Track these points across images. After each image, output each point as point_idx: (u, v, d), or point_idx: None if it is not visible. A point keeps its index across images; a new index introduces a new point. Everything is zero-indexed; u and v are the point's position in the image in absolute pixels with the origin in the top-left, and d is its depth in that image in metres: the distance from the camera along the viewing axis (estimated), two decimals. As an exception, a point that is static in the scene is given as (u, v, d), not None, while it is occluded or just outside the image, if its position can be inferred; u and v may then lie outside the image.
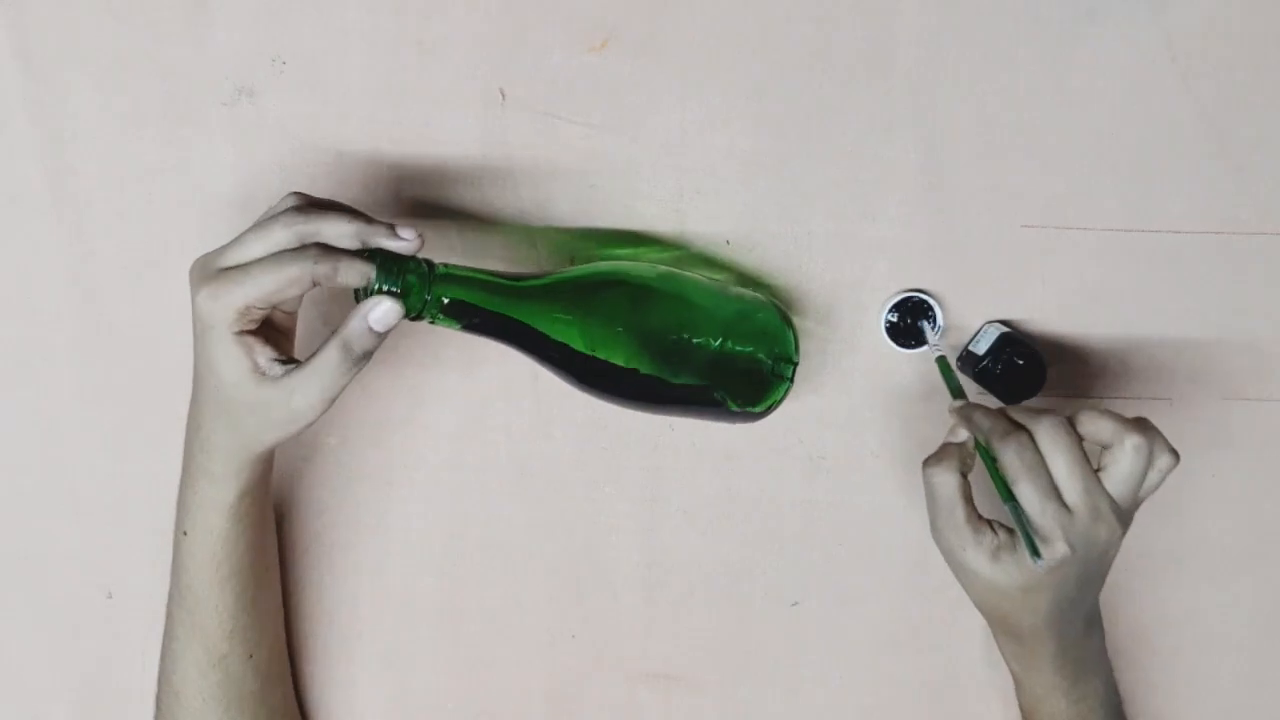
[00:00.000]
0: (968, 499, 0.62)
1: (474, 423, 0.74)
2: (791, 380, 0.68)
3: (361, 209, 0.61)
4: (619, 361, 0.63)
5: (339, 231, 0.59)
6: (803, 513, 0.74)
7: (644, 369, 0.64)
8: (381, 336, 0.59)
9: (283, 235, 0.58)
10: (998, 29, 0.70)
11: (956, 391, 0.66)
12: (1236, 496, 0.74)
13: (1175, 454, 0.61)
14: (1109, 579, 0.74)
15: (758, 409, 0.68)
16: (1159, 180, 0.71)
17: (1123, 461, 0.60)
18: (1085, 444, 0.61)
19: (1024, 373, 0.69)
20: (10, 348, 0.73)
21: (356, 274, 0.58)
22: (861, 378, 0.73)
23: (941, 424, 0.73)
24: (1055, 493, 0.60)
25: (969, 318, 0.72)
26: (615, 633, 0.75)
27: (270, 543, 0.71)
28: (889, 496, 0.74)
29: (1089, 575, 0.62)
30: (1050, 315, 0.72)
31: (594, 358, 0.63)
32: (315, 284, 0.58)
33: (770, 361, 0.67)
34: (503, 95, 0.71)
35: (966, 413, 0.64)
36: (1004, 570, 0.61)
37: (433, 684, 0.76)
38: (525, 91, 0.71)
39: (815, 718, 0.76)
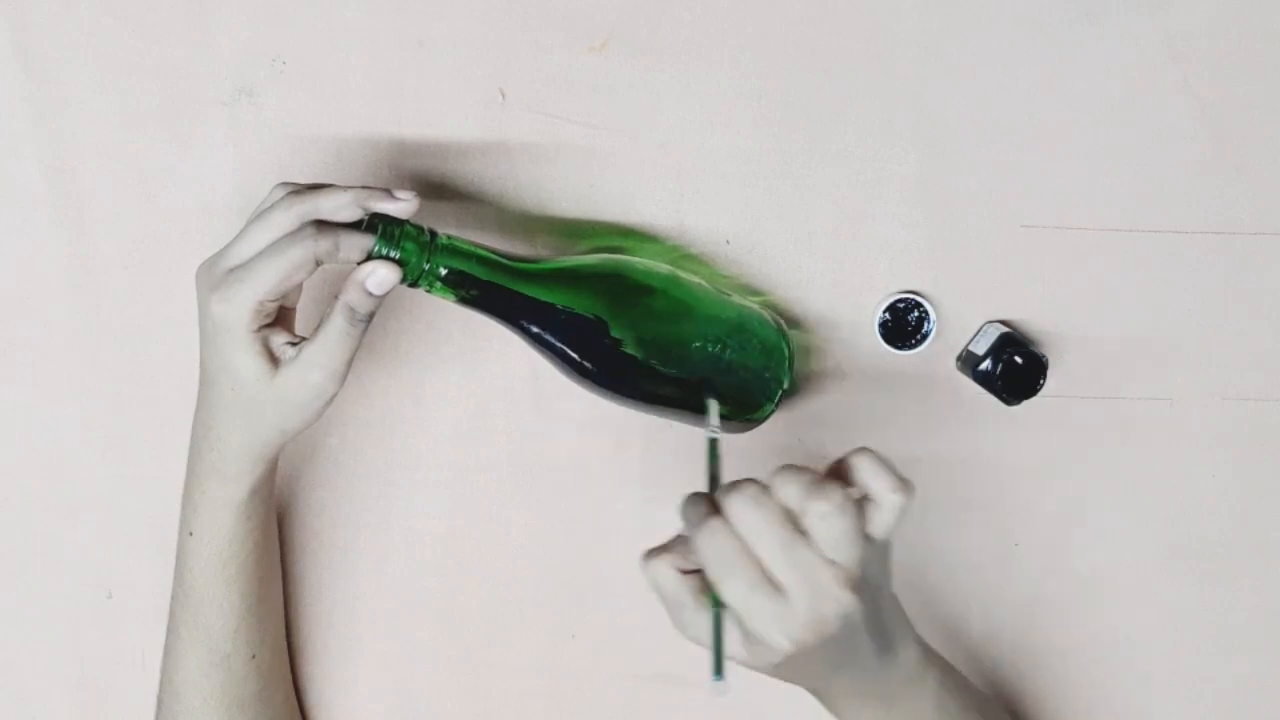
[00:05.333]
0: (695, 590, 0.54)
1: (474, 423, 0.74)
2: (776, 405, 0.68)
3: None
4: (609, 357, 0.63)
5: (336, 203, 0.60)
6: (803, 513, 0.74)
7: (635, 366, 0.64)
8: (380, 299, 0.60)
9: (283, 219, 0.59)
10: (998, 29, 0.70)
11: (709, 483, 0.58)
12: (1236, 496, 0.74)
13: (903, 489, 0.54)
14: (1104, 574, 0.74)
15: (740, 422, 0.68)
16: (1159, 180, 0.71)
17: (818, 529, 0.52)
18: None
19: (1024, 373, 0.69)
20: (10, 348, 0.73)
21: (356, 247, 0.59)
22: (861, 378, 0.73)
23: (940, 426, 0.73)
24: (763, 581, 0.51)
25: (969, 318, 0.72)
26: (615, 633, 0.75)
27: (273, 543, 0.71)
28: (889, 496, 0.74)
29: (840, 638, 0.53)
30: (1050, 315, 0.72)
31: (586, 347, 0.63)
32: (319, 263, 0.59)
33: (760, 380, 0.67)
34: (503, 95, 0.71)
35: (680, 506, 0.56)
36: (756, 654, 0.54)
37: (433, 684, 0.76)
38: (525, 91, 0.71)
39: (815, 718, 0.76)
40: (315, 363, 0.60)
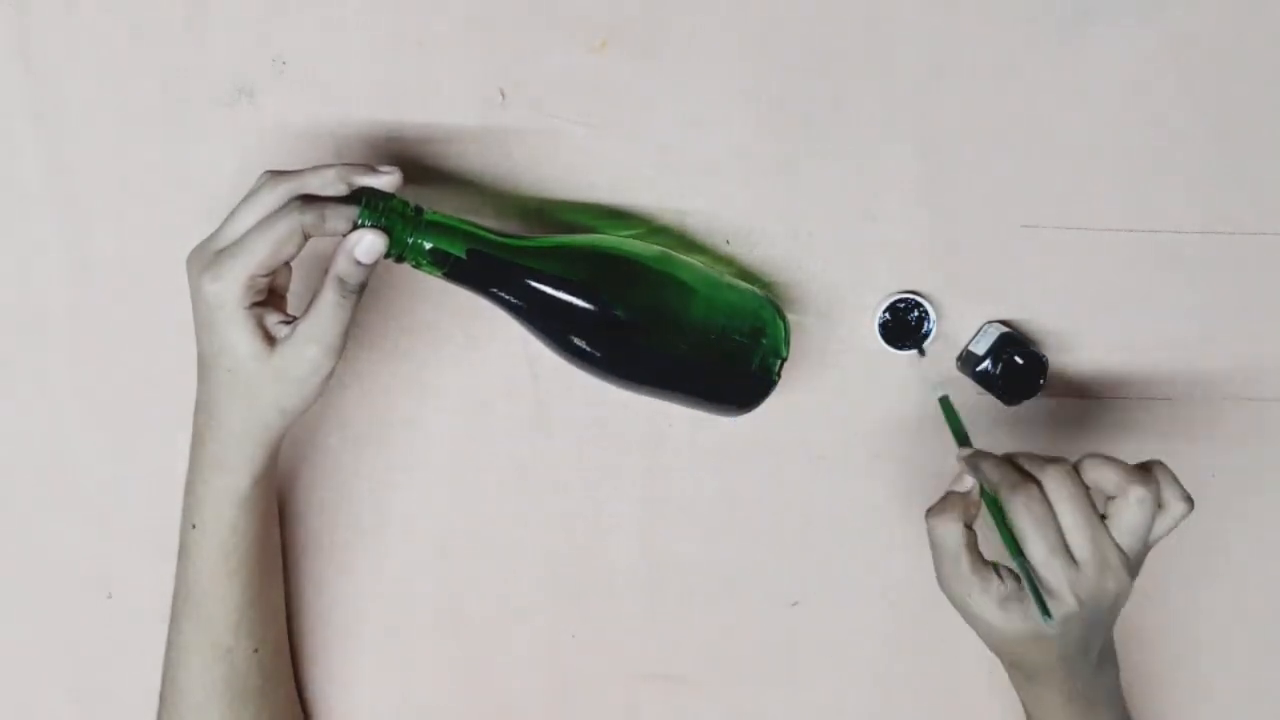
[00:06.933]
0: (972, 548, 0.62)
1: (474, 423, 0.74)
2: (778, 376, 0.67)
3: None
4: (600, 332, 0.63)
5: (322, 179, 0.61)
6: (803, 513, 0.74)
7: (628, 345, 0.64)
8: (369, 268, 0.60)
9: (270, 198, 0.60)
10: (998, 29, 0.70)
11: (961, 437, 0.66)
12: (1236, 496, 0.74)
13: (1189, 501, 0.61)
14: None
15: (740, 401, 0.67)
16: (1159, 180, 0.71)
17: (1127, 513, 0.60)
18: (1092, 491, 0.61)
19: (1024, 373, 0.69)
20: (10, 348, 0.73)
21: (342, 218, 0.60)
22: (861, 378, 0.73)
23: (941, 426, 0.73)
24: (1063, 547, 0.59)
25: (969, 318, 0.72)
26: (615, 633, 0.75)
27: (275, 537, 0.71)
28: (889, 496, 0.74)
29: (1097, 622, 0.61)
30: (1050, 315, 0.72)
31: (574, 321, 0.63)
32: (307, 236, 0.59)
33: (759, 355, 0.66)
34: (503, 95, 0.71)
35: (974, 462, 0.63)
36: (1011, 618, 0.61)
37: (433, 684, 0.76)
38: (525, 91, 0.71)
39: (815, 718, 0.76)
40: (310, 337, 0.60)
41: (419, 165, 0.71)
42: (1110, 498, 0.60)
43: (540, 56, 0.70)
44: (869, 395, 0.73)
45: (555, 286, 0.63)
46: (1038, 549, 0.59)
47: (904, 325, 0.71)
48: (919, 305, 0.71)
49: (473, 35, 0.70)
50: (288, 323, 0.61)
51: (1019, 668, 0.65)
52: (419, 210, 0.61)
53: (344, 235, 0.60)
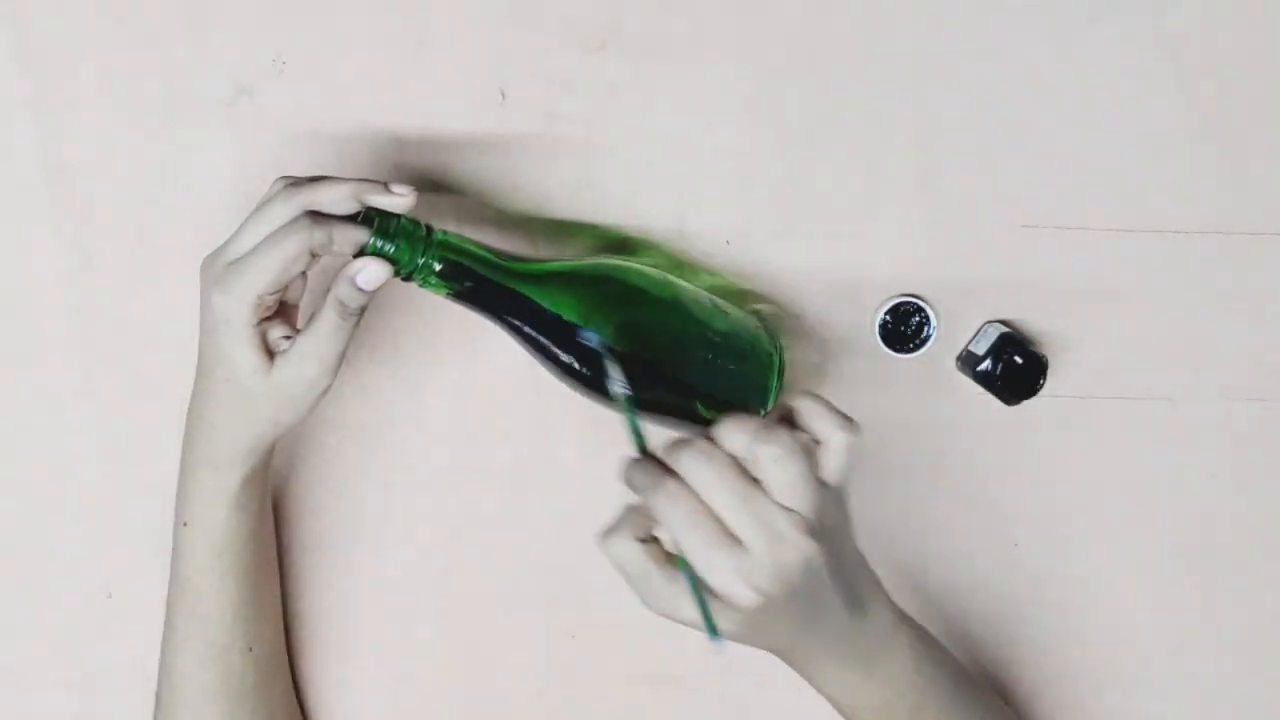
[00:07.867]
0: (659, 560, 0.55)
1: (474, 423, 0.74)
2: (766, 409, 0.67)
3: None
4: (601, 362, 0.63)
5: (335, 195, 0.60)
6: (803, 513, 0.74)
7: (627, 374, 0.64)
8: (370, 294, 0.60)
9: (282, 211, 0.59)
10: (998, 29, 0.70)
11: (639, 445, 0.57)
12: (1236, 496, 0.74)
13: (849, 426, 0.55)
14: (1104, 574, 0.74)
15: None
16: (1159, 180, 0.71)
17: (773, 473, 0.52)
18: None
19: (1024, 373, 0.69)
20: (10, 348, 0.73)
21: (350, 240, 0.59)
22: (861, 378, 0.73)
23: (940, 426, 0.73)
24: (723, 536, 0.52)
25: (969, 318, 0.72)
26: (615, 633, 0.75)
27: (269, 535, 0.71)
28: (888, 496, 0.74)
29: (806, 590, 0.54)
30: (1050, 315, 0.72)
31: (575, 348, 0.63)
32: (315, 255, 0.59)
33: (749, 391, 0.66)
34: (503, 95, 0.71)
35: (624, 473, 0.55)
36: (723, 612, 0.54)
37: (432, 684, 0.76)
38: (525, 91, 0.71)
39: (815, 718, 0.76)
40: (309, 355, 0.60)
41: (418, 165, 0.71)
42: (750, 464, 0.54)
43: (540, 56, 0.70)
44: (868, 396, 0.73)
45: (559, 314, 0.62)
46: (693, 548, 0.52)
47: (904, 329, 0.71)
48: (920, 310, 0.71)
49: (473, 35, 0.70)
50: (289, 336, 0.61)
51: (776, 655, 0.59)
52: (429, 231, 0.61)
53: (352, 256, 0.60)
